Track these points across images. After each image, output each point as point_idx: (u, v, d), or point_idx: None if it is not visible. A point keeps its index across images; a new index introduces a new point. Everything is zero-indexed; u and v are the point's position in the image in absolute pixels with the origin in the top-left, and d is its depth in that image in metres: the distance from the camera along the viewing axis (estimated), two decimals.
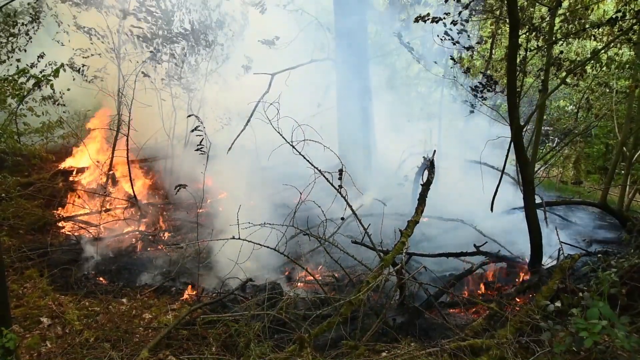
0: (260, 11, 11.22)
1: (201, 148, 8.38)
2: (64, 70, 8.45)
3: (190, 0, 10.86)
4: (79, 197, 9.99)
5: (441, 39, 7.53)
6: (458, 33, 7.13)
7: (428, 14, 6.97)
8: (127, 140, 9.58)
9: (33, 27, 9.78)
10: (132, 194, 9.58)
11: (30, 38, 9.80)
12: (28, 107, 9.50)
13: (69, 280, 6.76)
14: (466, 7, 7.06)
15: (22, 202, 8.90)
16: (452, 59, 8.01)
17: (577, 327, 3.32)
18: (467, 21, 7.00)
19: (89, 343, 4.93)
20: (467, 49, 7.72)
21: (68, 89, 9.53)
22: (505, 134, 6.44)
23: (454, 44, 7.31)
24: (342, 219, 6.05)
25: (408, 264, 5.92)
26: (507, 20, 5.80)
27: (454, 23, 6.93)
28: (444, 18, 6.92)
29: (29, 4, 9.67)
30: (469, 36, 8.02)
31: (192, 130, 8.02)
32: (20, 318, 5.43)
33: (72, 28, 9.96)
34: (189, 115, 8.53)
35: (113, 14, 9.78)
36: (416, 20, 7.04)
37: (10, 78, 7.65)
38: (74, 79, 9.99)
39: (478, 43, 10.83)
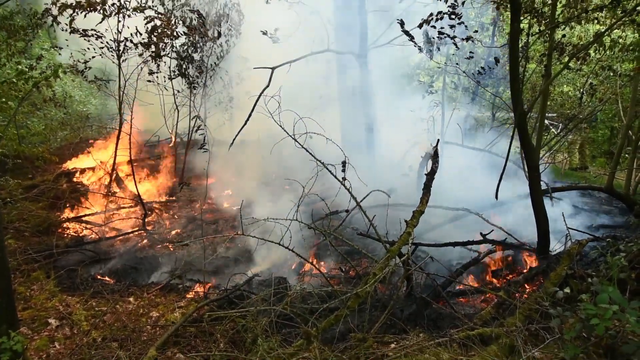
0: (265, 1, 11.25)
1: (204, 146, 8.38)
2: (64, 72, 8.41)
3: None
4: (83, 197, 9.99)
5: (439, 37, 7.52)
6: (458, 24, 7.08)
7: (431, 14, 6.96)
8: (130, 139, 9.54)
9: (32, 31, 9.69)
10: (136, 193, 9.56)
11: (29, 40, 9.72)
12: (29, 109, 9.46)
13: (76, 281, 6.75)
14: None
15: (27, 204, 8.91)
16: (455, 45, 7.96)
17: (587, 313, 3.29)
18: (458, 13, 6.98)
19: (97, 343, 4.93)
20: (466, 39, 7.69)
21: (70, 96, 9.48)
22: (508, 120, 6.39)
23: (452, 38, 7.28)
24: (347, 211, 6.01)
25: (414, 255, 5.87)
26: (509, 5, 5.73)
27: (454, 15, 6.88)
28: (448, 12, 6.87)
29: (31, 8, 9.56)
30: (466, 27, 7.96)
31: (196, 130, 8.00)
32: (28, 320, 5.43)
33: (70, 29, 9.87)
34: (194, 117, 8.53)
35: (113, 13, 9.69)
36: (420, 26, 7.08)
37: (9, 81, 7.61)
38: (73, 80, 9.93)
39: (476, 32, 10.74)
